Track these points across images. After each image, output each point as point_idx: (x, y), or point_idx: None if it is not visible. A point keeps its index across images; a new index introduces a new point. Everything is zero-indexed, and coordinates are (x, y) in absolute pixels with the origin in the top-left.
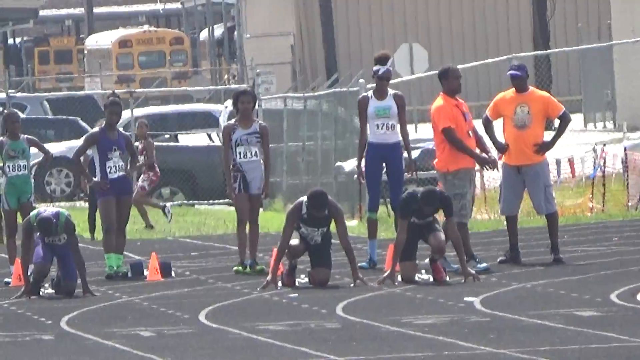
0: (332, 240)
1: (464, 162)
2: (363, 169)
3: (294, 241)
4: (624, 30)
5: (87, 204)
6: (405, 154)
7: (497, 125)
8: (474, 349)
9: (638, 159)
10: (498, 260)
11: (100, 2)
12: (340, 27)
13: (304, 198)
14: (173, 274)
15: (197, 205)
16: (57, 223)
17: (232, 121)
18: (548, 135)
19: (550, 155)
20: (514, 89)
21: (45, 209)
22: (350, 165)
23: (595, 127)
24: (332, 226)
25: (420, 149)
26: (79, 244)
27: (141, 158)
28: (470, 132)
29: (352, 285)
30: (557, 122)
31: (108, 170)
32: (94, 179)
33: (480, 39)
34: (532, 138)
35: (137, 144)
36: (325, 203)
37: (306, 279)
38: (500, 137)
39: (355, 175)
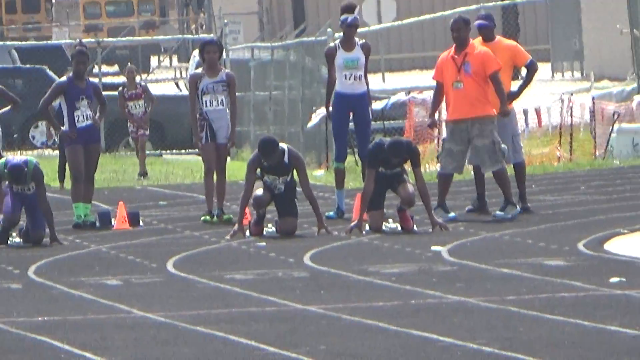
0: (298, 189)
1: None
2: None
3: (259, 191)
4: None
5: (55, 153)
6: (375, 103)
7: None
8: (442, 297)
9: (605, 108)
10: (466, 209)
11: None
12: None
13: None
14: (141, 223)
15: (164, 155)
16: (27, 171)
17: (199, 70)
18: (515, 85)
19: (517, 105)
20: (480, 38)
21: (14, 157)
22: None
23: (563, 77)
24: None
25: (389, 98)
26: (47, 193)
27: (141, 102)
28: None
29: (316, 234)
30: (524, 72)
31: (76, 119)
32: (62, 128)
33: None
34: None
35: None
36: (274, 149)
37: (273, 228)
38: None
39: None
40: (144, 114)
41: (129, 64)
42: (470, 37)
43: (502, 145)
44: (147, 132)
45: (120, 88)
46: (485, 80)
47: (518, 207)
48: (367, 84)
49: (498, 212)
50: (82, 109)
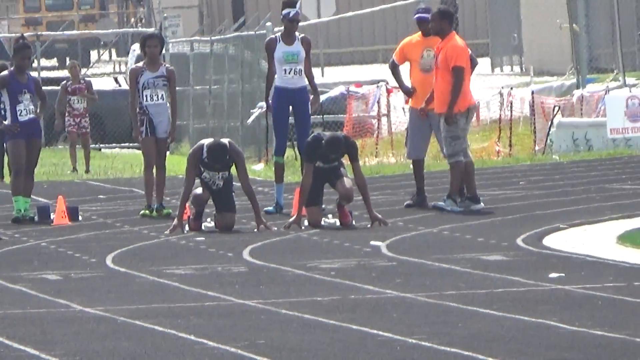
0: (235, 184)
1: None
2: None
3: (198, 190)
4: None
5: None
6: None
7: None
8: (381, 293)
9: (545, 102)
10: (405, 204)
11: None
12: None
13: (205, 141)
14: (80, 217)
15: (104, 149)
16: None
17: (140, 64)
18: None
19: None
20: (420, 32)
21: None
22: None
23: (502, 71)
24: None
25: (327, 93)
26: None
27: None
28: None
29: (255, 230)
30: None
31: (18, 113)
32: (4, 122)
33: None
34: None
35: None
36: (225, 155)
37: (212, 223)
38: (408, 82)
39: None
40: (86, 110)
41: (68, 60)
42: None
43: (459, 140)
44: (89, 129)
45: (64, 82)
46: (448, 75)
47: (458, 207)
48: (312, 77)
49: (439, 202)
50: (24, 102)
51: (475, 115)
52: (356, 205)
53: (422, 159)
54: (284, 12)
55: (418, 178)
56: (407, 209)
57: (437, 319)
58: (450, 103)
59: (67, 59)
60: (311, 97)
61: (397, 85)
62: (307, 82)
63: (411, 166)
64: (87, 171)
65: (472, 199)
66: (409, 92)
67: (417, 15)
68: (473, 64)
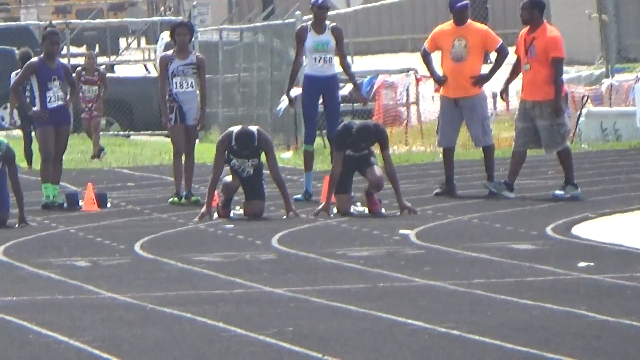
0: (264, 171)
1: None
2: (292, 96)
3: (228, 178)
4: None
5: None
6: (343, 88)
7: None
8: (409, 281)
9: (575, 92)
10: (434, 192)
11: None
12: None
13: (234, 129)
14: (109, 204)
15: (133, 136)
16: None
17: (170, 52)
18: (486, 69)
19: (487, 89)
20: (452, 21)
21: None
22: (283, 104)
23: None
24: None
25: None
26: None
27: (94, 89)
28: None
29: (284, 217)
30: (493, 56)
31: (47, 100)
32: (32, 108)
33: None
34: (469, 71)
35: (88, 77)
36: (252, 144)
37: (241, 211)
38: (439, 70)
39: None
40: (98, 97)
41: (97, 47)
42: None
43: (565, 127)
44: (100, 114)
45: (79, 69)
46: (546, 65)
47: (579, 189)
48: (349, 65)
49: (557, 192)
50: (53, 89)
51: (505, 104)
52: (385, 194)
53: (453, 148)
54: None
55: (448, 167)
56: (436, 198)
57: (465, 308)
58: (555, 95)
59: (97, 46)
60: (351, 87)
61: (428, 74)
62: (336, 71)
63: (441, 155)
64: (93, 157)
65: (509, 186)
66: (440, 81)
67: (459, 4)
68: (504, 53)
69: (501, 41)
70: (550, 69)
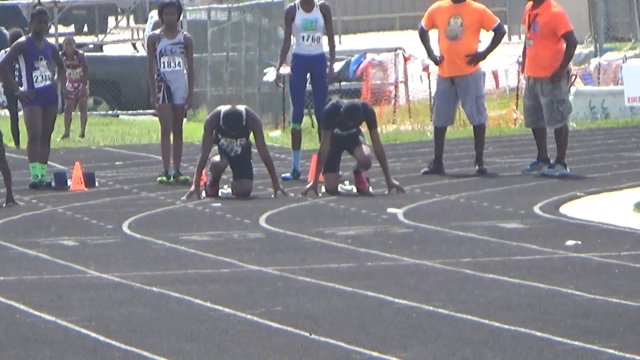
0: (253, 150)
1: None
2: (282, 74)
3: (216, 157)
4: None
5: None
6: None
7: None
8: (397, 260)
9: None
10: (422, 171)
11: None
12: None
13: (222, 108)
14: (97, 183)
15: (121, 115)
16: None
17: (157, 31)
18: (483, 48)
19: (483, 67)
20: None
21: None
22: (272, 74)
23: (520, 39)
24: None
25: (344, 60)
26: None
27: (78, 70)
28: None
29: (272, 196)
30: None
31: (35, 80)
32: (20, 88)
33: None
34: (464, 49)
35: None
36: (240, 123)
37: (229, 190)
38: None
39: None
40: (82, 77)
41: (82, 27)
42: None
43: (565, 104)
44: (87, 93)
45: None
46: (550, 41)
47: (568, 170)
48: (334, 46)
49: (546, 169)
50: (41, 69)
51: (494, 81)
52: (373, 173)
53: (445, 127)
54: None
55: (438, 146)
56: (424, 176)
57: (453, 287)
58: (562, 63)
59: (85, 25)
60: (341, 64)
61: (418, 54)
62: (324, 50)
63: (429, 134)
64: (82, 135)
65: (544, 160)
66: (436, 61)
67: None
68: (500, 33)
69: (498, 21)
70: (563, 43)
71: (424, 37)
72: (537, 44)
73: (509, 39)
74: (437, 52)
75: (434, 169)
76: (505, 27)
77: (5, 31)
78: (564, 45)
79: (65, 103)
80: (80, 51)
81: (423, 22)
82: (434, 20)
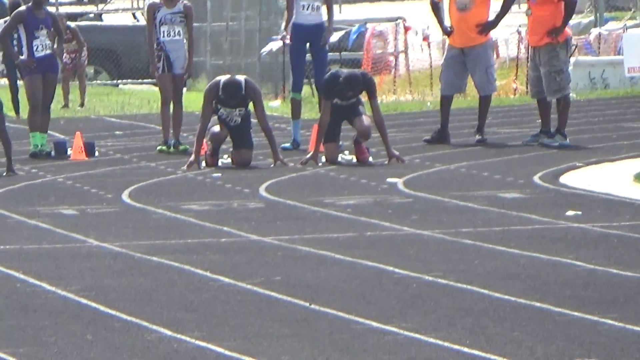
0: (252, 120)
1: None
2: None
3: (216, 127)
4: None
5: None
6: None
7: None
8: (397, 229)
9: None
10: (423, 139)
11: None
12: None
13: (221, 78)
14: (97, 153)
15: (121, 85)
16: None
17: (157, 0)
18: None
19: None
20: None
21: None
22: (268, 47)
23: (520, 9)
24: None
25: (344, 30)
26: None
27: (73, 43)
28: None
29: (272, 166)
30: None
31: (35, 49)
32: (20, 57)
33: None
34: (473, 20)
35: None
36: (240, 93)
37: (229, 159)
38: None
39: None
40: (78, 51)
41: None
42: None
43: (564, 74)
44: (84, 62)
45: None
46: (547, 7)
47: (568, 140)
48: (332, 15)
49: (546, 139)
50: (41, 38)
51: (495, 52)
52: (373, 142)
53: (452, 96)
54: None
55: (444, 115)
56: (424, 146)
57: (453, 256)
58: (561, 26)
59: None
60: (341, 34)
61: (437, 23)
62: (324, 19)
63: (429, 104)
64: (81, 105)
65: (546, 133)
66: (446, 32)
67: None
68: (508, 3)
69: None
70: (561, 10)
71: (435, 8)
72: (535, 13)
73: None
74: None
75: (437, 138)
76: None
77: (4, 0)
78: (563, 12)
79: (62, 74)
80: (72, 25)
81: None
82: None
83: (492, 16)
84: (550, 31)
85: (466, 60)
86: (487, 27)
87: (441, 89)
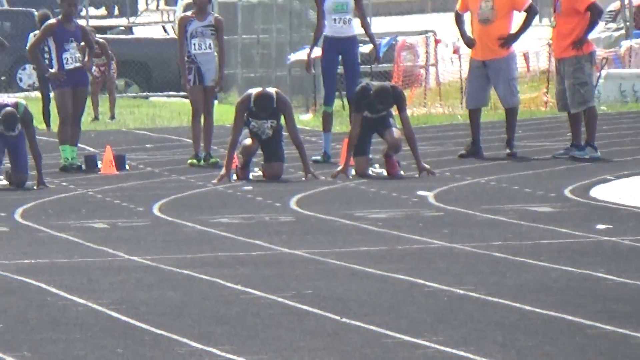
0: (283, 133)
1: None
2: (312, 58)
3: (247, 140)
4: None
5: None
6: (363, 47)
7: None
8: (428, 243)
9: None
10: (458, 154)
11: None
12: None
13: (253, 90)
14: (127, 166)
15: (151, 97)
16: (18, 115)
17: (188, 13)
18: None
19: (515, 48)
20: None
21: (4, 100)
22: (297, 56)
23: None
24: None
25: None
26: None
27: (102, 58)
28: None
29: (303, 179)
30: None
31: (65, 61)
32: (50, 70)
33: None
34: (496, 32)
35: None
36: (271, 105)
37: (260, 172)
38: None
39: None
40: (107, 64)
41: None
42: None
43: (587, 86)
44: (114, 76)
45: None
46: (572, 19)
47: (599, 152)
48: (368, 25)
49: (577, 152)
50: (71, 51)
51: (525, 64)
52: (404, 156)
53: (479, 110)
54: None
55: (474, 128)
56: (455, 159)
57: (484, 270)
58: (583, 36)
59: (116, 7)
60: (370, 47)
61: (453, 37)
62: (355, 32)
63: (459, 117)
64: (111, 118)
65: (577, 147)
66: (469, 44)
67: None
68: (532, 13)
69: (529, 0)
70: (585, 21)
71: (458, 20)
72: (560, 24)
73: (540, 21)
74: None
75: (471, 152)
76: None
77: (35, 13)
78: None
79: (92, 87)
80: (102, 40)
81: (457, 6)
82: (467, 3)
83: (514, 29)
84: (574, 43)
85: (489, 72)
86: (508, 40)
87: (467, 103)
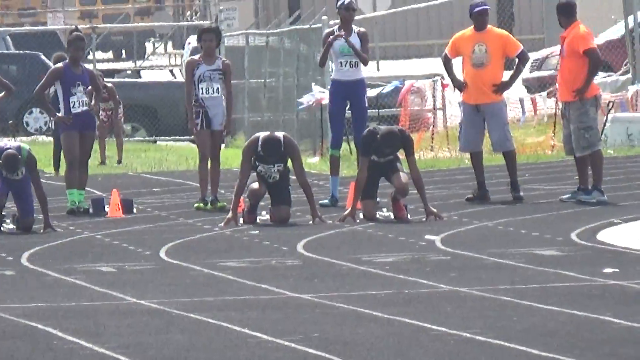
0: (291, 177)
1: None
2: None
3: (254, 184)
4: None
5: (50, 139)
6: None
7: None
8: (435, 287)
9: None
10: (465, 198)
11: None
12: None
13: (260, 134)
14: (135, 210)
15: (158, 141)
16: (20, 159)
17: (196, 57)
18: (507, 75)
19: (513, 94)
20: (472, 27)
21: (6, 143)
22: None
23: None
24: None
25: (382, 86)
26: (42, 179)
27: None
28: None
29: (310, 223)
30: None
31: (72, 105)
32: (57, 114)
33: None
34: (490, 77)
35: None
36: (279, 149)
37: (267, 216)
38: (460, 76)
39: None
40: (114, 110)
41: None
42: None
43: (592, 130)
44: (121, 119)
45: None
46: (575, 63)
47: (605, 196)
48: (366, 50)
49: (584, 196)
50: (78, 94)
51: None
52: (411, 199)
53: (479, 152)
54: (339, 2)
55: (478, 171)
56: (461, 203)
57: (491, 313)
58: (585, 83)
59: (123, 51)
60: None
61: (450, 79)
62: (363, 76)
63: (467, 160)
64: (119, 162)
65: (584, 190)
66: (460, 87)
67: (478, 9)
68: (524, 59)
69: (522, 47)
70: (586, 61)
71: (447, 64)
72: (563, 67)
73: None
74: (460, 79)
75: (478, 196)
76: (545, 52)
77: (43, 57)
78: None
79: (99, 131)
80: (110, 85)
81: (447, 50)
82: (458, 48)
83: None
84: (577, 90)
85: (485, 116)
86: (502, 87)
87: (462, 148)
